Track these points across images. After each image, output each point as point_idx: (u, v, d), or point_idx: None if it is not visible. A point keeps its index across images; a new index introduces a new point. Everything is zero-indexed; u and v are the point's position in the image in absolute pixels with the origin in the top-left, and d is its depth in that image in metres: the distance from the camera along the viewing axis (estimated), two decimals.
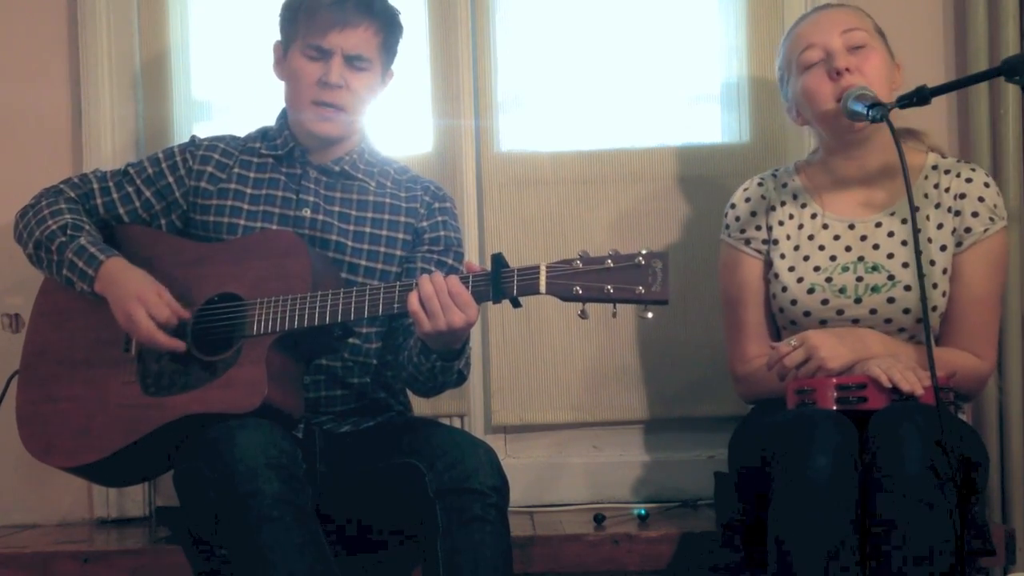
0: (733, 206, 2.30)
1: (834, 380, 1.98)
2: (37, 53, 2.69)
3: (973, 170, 2.19)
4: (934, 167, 2.20)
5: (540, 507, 2.65)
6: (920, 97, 2.01)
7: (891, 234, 2.17)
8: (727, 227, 2.30)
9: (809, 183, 2.26)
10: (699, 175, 2.68)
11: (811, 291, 2.16)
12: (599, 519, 2.43)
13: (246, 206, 2.20)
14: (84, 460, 2.05)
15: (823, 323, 2.15)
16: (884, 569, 1.80)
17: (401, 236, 2.23)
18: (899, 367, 1.95)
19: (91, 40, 2.65)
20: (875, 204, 2.20)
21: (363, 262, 2.20)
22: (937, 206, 2.17)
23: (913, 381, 1.92)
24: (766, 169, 2.35)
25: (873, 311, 2.13)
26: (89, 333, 2.13)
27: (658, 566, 2.27)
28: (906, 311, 2.12)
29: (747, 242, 2.27)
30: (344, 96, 2.16)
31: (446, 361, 2.01)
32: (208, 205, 2.21)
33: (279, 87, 2.25)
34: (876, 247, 2.16)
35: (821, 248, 2.19)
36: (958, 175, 2.17)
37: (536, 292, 1.84)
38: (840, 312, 2.14)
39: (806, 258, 2.19)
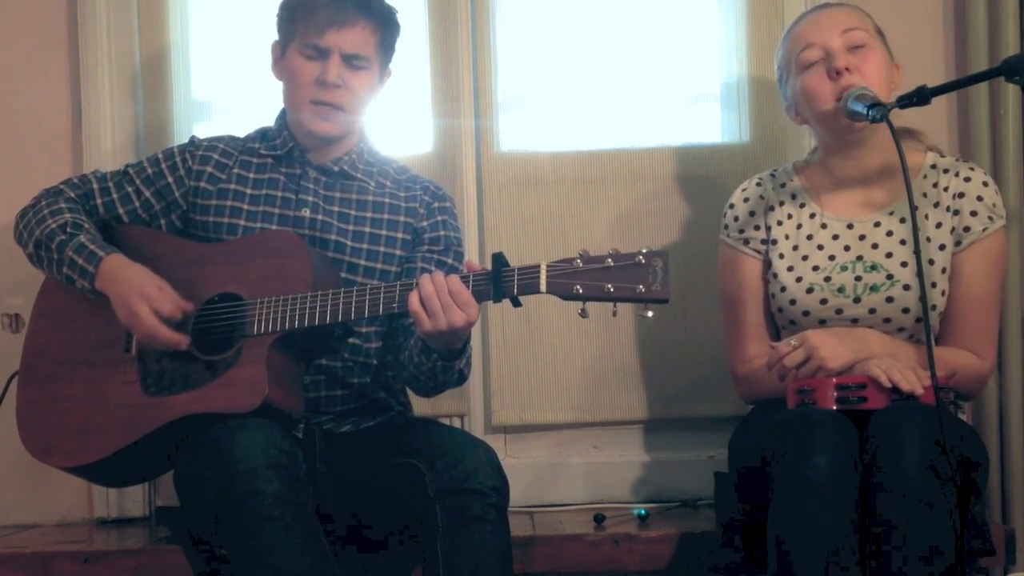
0: (732, 206, 2.30)
1: (834, 380, 1.98)
2: (37, 53, 2.69)
3: (972, 169, 2.19)
4: (933, 166, 2.20)
5: (540, 507, 2.65)
6: (920, 97, 2.01)
7: (890, 233, 2.17)
8: (726, 227, 2.30)
9: (808, 183, 2.26)
10: (699, 175, 2.68)
11: (810, 291, 2.16)
12: (599, 519, 2.43)
13: (246, 206, 2.20)
14: (84, 460, 2.05)
15: (822, 323, 2.15)
16: (884, 569, 1.80)
17: (401, 236, 2.23)
18: (899, 367, 1.95)
19: (91, 40, 2.66)
20: (874, 204, 2.20)
21: (363, 262, 2.20)
22: (936, 205, 2.17)
23: (913, 381, 1.92)
24: (766, 169, 2.35)
25: (872, 310, 2.13)
26: (89, 333, 2.13)
27: (658, 566, 2.27)
28: (905, 310, 2.12)
29: (746, 242, 2.27)
30: (342, 95, 2.16)
31: (447, 360, 2.01)
32: (208, 205, 2.21)
33: (279, 87, 2.25)
34: (875, 246, 2.16)
35: (820, 248, 2.19)
36: (957, 174, 2.17)
37: (537, 291, 1.84)
38: (839, 311, 2.14)
39: (805, 258, 2.19)
